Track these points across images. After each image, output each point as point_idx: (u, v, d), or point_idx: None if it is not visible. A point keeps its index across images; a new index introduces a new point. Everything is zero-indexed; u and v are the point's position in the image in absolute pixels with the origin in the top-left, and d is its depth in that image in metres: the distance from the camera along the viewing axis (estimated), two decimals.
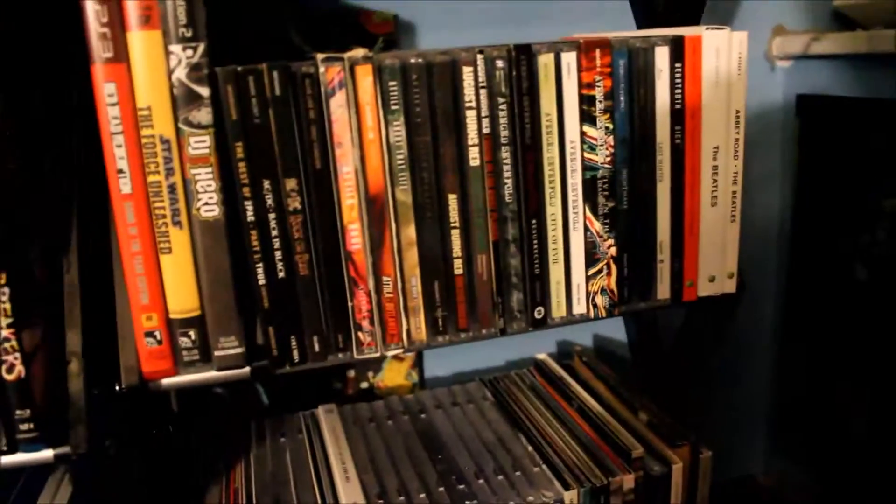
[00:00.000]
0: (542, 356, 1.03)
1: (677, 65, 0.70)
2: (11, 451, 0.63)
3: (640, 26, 0.96)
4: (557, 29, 0.95)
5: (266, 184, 0.63)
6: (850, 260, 1.01)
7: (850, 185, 1.00)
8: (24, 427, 0.63)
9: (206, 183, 0.62)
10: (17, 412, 0.62)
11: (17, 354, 0.61)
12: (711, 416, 1.21)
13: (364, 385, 1.03)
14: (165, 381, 0.66)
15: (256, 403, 1.00)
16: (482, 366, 1.07)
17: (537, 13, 0.98)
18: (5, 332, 0.60)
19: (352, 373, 1.02)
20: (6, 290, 0.60)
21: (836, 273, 1.04)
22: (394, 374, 1.03)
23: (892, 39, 0.88)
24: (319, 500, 0.79)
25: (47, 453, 0.65)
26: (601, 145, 0.69)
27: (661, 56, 0.70)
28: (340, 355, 0.68)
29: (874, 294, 0.98)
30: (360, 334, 0.68)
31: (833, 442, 1.08)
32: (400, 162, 0.65)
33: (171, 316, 0.64)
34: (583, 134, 0.69)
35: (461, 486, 0.80)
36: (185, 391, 0.96)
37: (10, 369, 0.61)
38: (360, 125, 0.63)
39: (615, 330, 1.10)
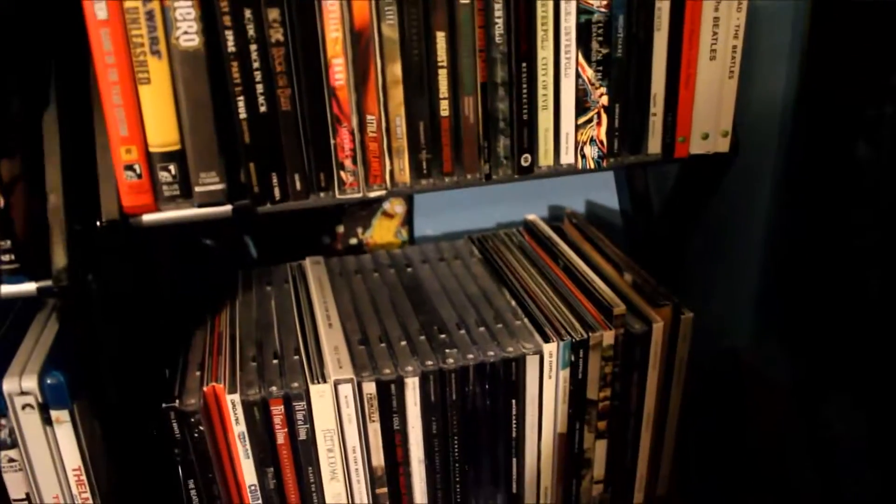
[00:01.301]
0: (531, 217, 1.02)
1: None
2: None
3: None
4: None
5: (247, 13, 0.61)
6: (855, 135, 0.99)
7: (860, 58, 0.97)
8: (5, 258, 0.63)
9: (185, 10, 0.60)
10: None
11: None
12: (699, 286, 1.21)
13: (353, 241, 1.03)
14: (146, 217, 0.66)
15: (245, 257, 1.01)
16: (472, 226, 1.07)
17: None
18: None
19: (341, 228, 1.02)
20: None
21: (839, 148, 1.02)
22: (383, 232, 1.03)
23: None
24: (301, 344, 0.80)
25: (30, 286, 0.65)
26: None
27: None
28: (322, 195, 0.67)
29: (875, 171, 0.97)
30: (342, 173, 0.67)
31: (822, 322, 1.09)
32: None
33: (151, 149, 0.63)
34: None
35: (442, 336, 0.81)
36: (173, 238, 0.96)
37: None
38: None
39: (608, 197, 1.09)
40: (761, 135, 1.12)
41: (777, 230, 1.15)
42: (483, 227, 1.07)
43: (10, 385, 0.69)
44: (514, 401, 0.81)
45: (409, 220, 1.04)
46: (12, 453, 0.71)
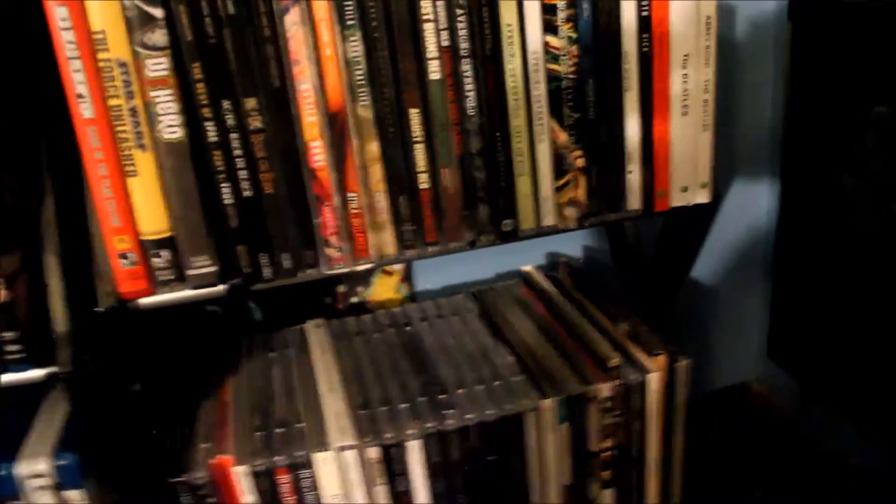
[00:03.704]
0: (528, 268, 1.04)
1: None
2: (2, 371, 0.66)
3: None
4: None
5: (226, 104, 0.63)
6: (840, 168, 0.99)
7: (841, 92, 0.98)
8: (11, 349, 0.65)
9: (166, 105, 0.62)
10: (4, 334, 0.64)
11: None
12: (705, 325, 1.22)
13: (355, 300, 1.04)
14: (143, 301, 0.68)
15: (250, 320, 1.03)
16: (472, 278, 1.08)
17: None
18: None
19: (342, 288, 1.03)
20: None
21: (827, 181, 1.02)
22: (384, 289, 1.05)
23: None
24: (304, 411, 0.81)
25: (37, 373, 0.67)
26: (564, 55, 0.68)
27: None
28: (310, 271, 0.69)
29: (863, 202, 0.97)
30: (328, 250, 0.69)
31: (827, 351, 1.09)
32: (359, 78, 0.65)
33: (143, 237, 0.66)
34: (546, 44, 0.68)
35: (442, 397, 0.82)
36: (178, 310, 0.98)
37: None
38: (316, 42, 0.63)
39: (602, 242, 1.11)
40: (752, 170, 1.13)
41: (778, 258, 1.16)
42: (483, 278, 1.09)
43: (23, 468, 0.71)
44: (516, 457, 0.82)
45: (408, 276, 1.05)
46: None
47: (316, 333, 0.95)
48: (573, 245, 1.12)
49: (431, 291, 1.07)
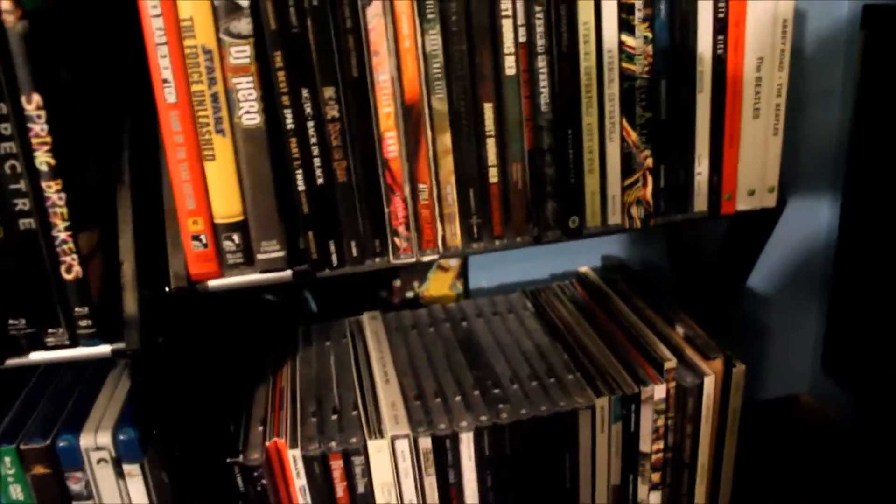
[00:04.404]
0: (584, 269, 1.04)
1: None
2: (73, 345, 0.68)
3: None
4: None
5: (304, 92, 0.65)
6: None
7: None
8: (83, 323, 0.67)
9: (247, 92, 0.64)
10: (77, 309, 0.66)
11: (75, 256, 0.65)
12: (758, 334, 1.21)
13: (409, 294, 1.05)
14: (211, 283, 0.70)
15: (306, 311, 1.04)
16: (527, 277, 1.09)
17: None
18: (63, 235, 0.64)
19: (398, 282, 1.04)
20: (63, 195, 0.63)
21: (891, 194, 1.01)
22: (439, 285, 1.05)
23: None
24: (359, 399, 0.82)
25: (105, 348, 0.69)
26: (640, 55, 0.69)
27: None
28: (377, 260, 0.70)
29: None
30: (396, 240, 0.70)
31: (882, 366, 1.08)
32: (436, 70, 0.66)
33: (216, 220, 0.67)
34: (621, 43, 0.68)
35: (496, 391, 0.83)
36: (238, 297, 1.00)
37: (69, 269, 0.65)
38: (396, 34, 0.64)
39: (660, 247, 1.10)
40: (815, 180, 1.12)
41: (837, 271, 1.15)
42: (537, 279, 1.09)
43: (86, 441, 0.73)
44: (567, 454, 0.83)
45: (463, 273, 1.06)
46: None
47: (371, 325, 0.96)
48: (628, 249, 1.12)
49: (486, 289, 1.08)
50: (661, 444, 0.85)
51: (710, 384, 0.83)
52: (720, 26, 0.70)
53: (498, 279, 1.08)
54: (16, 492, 0.74)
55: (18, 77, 0.59)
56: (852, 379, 1.16)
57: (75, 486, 0.74)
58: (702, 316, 0.90)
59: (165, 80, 0.62)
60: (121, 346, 0.68)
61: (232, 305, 0.99)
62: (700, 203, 0.75)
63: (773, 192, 0.76)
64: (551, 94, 0.68)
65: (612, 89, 0.69)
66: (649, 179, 0.73)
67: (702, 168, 0.74)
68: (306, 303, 1.04)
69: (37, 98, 0.60)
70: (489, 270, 1.07)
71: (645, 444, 0.85)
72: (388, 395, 0.82)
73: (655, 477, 0.87)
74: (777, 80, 0.72)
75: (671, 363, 0.83)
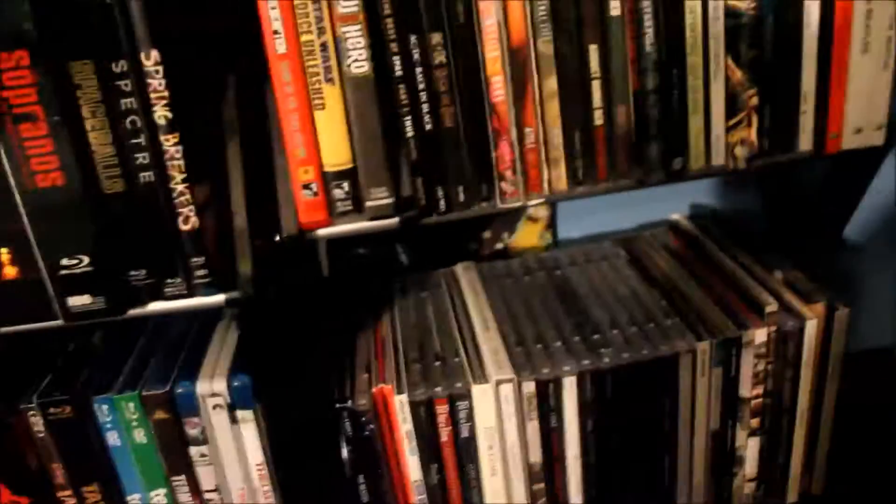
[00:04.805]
0: (676, 216, 1.03)
1: None
2: (191, 294, 0.70)
3: None
4: None
5: (412, 39, 0.66)
6: None
7: None
8: (199, 273, 0.70)
9: (355, 40, 0.65)
10: (193, 259, 0.69)
11: (191, 207, 0.67)
12: (852, 284, 1.19)
13: (499, 246, 1.06)
14: (321, 232, 0.71)
15: (397, 265, 1.06)
16: (615, 227, 1.08)
17: None
18: (180, 187, 0.66)
19: (487, 234, 1.05)
20: (179, 148, 0.65)
21: None
22: (528, 236, 1.06)
23: None
24: (461, 346, 0.84)
25: (219, 297, 0.71)
26: None
27: None
28: (485, 204, 0.71)
29: None
30: (503, 184, 0.71)
31: None
32: (542, 14, 0.66)
33: (326, 169, 0.69)
34: None
35: (596, 336, 0.83)
36: (334, 248, 1.02)
37: (186, 220, 0.67)
38: None
39: (753, 193, 1.09)
40: None
41: None
42: (626, 228, 1.09)
43: (202, 387, 0.76)
44: (667, 399, 0.83)
45: (552, 224, 1.07)
46: (204, 449, 0.78)
47: (466, 275, 0.97)
48: (719, 197, 1.10)
49: (575, 240, 1.08)
50: (760, 389, 0.85)
51: (811, 328, 0.83)
52: None
53: (586, 230, 1.08)
54: (139, 436, 0.77)
55: (137, 34, 0.61)
56: None
57: (192, 431, 0.77)
58: (803, 261, 0.89)
59: (276, 32, 0.64)
60: (235, 295, 0.71)
61: (331, 256, 1.02)
62: (805, 142, 0.74)
63: (880, 129, 0.74)
64: (656, 35, 0.68)
65: (718, 28, 0.68)
66: (754, 119, 0.72)
67: (807, 107, 0.72)
68: (397, 256, 1.05)
69: (155, 54, 0.62)
70: (578, 221, 1.07)
71: (745, 389, 0.85)
72: (489, 341, 0.84)
73: (754, 423, 0.87)
74: (889, 11, 0.70)
75: (772, 307, 0.82)
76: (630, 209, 1.08)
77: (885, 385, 1.20)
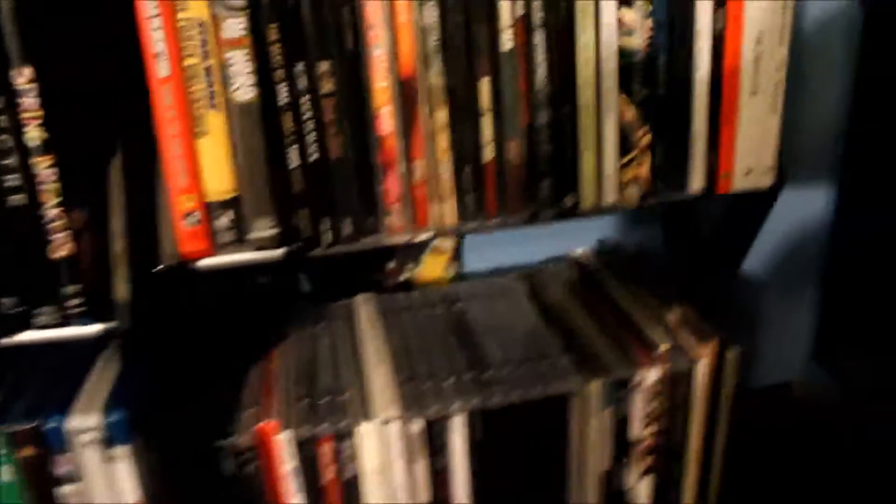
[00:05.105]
0: (579, 251, 1.03)
1: None
2: (65, 324, 0.67)
3: None
4: None
5: (299, 66, 0.64)
6: None
7: None
8: (74, 302, 0.66)
9: (241, 65, 0.63)
10: (68, 288, 0.65)
11: (67, 232, 0.64)
12: (750, 320, 1.21)
13: (404, 277, 1.05)
14: (203, 262, 0.69)
15: (298, 294, 1.03)
16: (522, 260, 1.08)
17: None
18: (54, 212, 0.63)
19: (392, 265, 1.04)
20: (55, 170, 0.62)
21: (889, 183, 1.01)
22: (433, 267, 1.05)
23: None
24: (351, 382, 0.82)
25: (96, 328, 0.68)
26: (638, 30, 0.68)
27: None
28: (371, 238, 0.69)
29: None
30: (390, 218, 0.69)
31: (873, 356, 1.08)
32: (433, 45, 0.65)
33: (209, 198, 0.66)
34: (619, 18, 0.67)
35: (488, 374, 0.82)
36: (229, 278, 0.99)
37: (61, 246, 0.64)
38: (391, 7, 0.63)
39: (655, 229, 1.10)
40: (811, 165, 1.12)
41: (833, 257, 1.15)
42: (532, 261, 1.08)
43: (74, 422, 0.71)
44: (557, 438, 0.82)
45: (458, 256, 1.05)
46: (74, 488, 0.74)
47: (365, 307, 0.95)
48: (624, 232, 1.11)
49: (480, 273, 1.07)
50: (652, 429, 0.85)
51: (703, 367, 0.83)
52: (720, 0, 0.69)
53: (493, 262, 1.07)
54: (6, 474, 0.72)
55: (8, 50, 0.58)
56: (842, 368, 1.16)
57: (62, 469, 0.73)
58: (697, 299, 0.90)
59: (158, 54, 0.61)
60: (112, 325, 0.67)
61: (224, 285, 0.98)
62: (697, 181, 0.74)
63: (771, 171, 0.75)
64: (548, 70, 0.67)
65: (610, 65, 0.69)
66: (646, 158, 0.72)
67: (699, 146, 0.73)
68: (299, 284, 1.03)
69: (28, 71, 0.59)
70: (484, 253, 1.06)
71: (636, 429, 0.84)
72: (379, 377, 0.82)
73: (646, 463, 0.87)
74: (778, 56, 0.71)
75: (665, 346, 0.82)
76: (536, 242, 1.08)
77: (782, 421, 1.22)
